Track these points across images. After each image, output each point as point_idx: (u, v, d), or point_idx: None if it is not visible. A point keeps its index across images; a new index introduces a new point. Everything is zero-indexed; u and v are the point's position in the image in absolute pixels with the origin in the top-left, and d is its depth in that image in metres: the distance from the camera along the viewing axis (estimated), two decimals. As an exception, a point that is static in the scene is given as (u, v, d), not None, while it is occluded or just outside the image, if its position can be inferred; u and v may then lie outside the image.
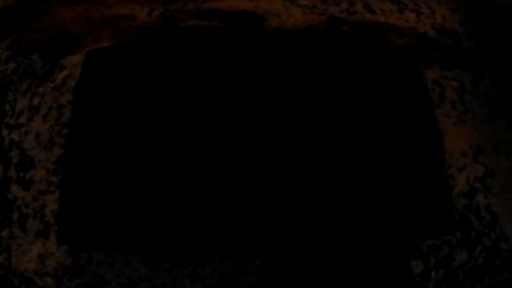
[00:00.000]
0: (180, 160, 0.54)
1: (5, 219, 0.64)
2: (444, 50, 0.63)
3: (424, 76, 0.60)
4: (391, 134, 0.56)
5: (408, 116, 0.58)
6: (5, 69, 0.71)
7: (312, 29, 0.61)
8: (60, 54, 0.67)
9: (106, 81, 0.59)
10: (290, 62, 0.57)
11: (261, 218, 0.51)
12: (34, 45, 0.70)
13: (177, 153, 0.55)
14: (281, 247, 0.51)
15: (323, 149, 0.54)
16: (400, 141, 0.57)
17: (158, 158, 0.55)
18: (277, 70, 0.57)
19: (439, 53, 0.63)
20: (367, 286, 0.52)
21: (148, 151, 0.55)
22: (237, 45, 0.58)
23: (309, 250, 0.52)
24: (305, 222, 0.52)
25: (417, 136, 0.58)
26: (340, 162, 0.54)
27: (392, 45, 0.61)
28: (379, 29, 0.62)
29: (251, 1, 0.62)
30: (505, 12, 0.71)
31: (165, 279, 0.53)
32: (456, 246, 0.57)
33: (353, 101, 0.56)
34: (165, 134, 0.56)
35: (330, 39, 0.58)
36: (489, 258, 0.58)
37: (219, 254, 0.51)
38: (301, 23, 0.61)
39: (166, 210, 0.53)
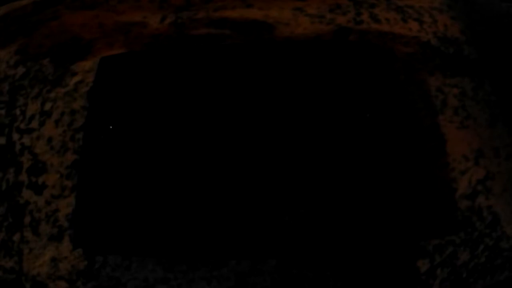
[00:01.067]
0: (195, 165, 0.56)
1: (16, 223, 0.65)
2: (446, 57, 0.67)
3: (428, 83, 0.64)
4: (397, 139, 0.59)
5: (412, 122, 0.62)
6: (14, 73, 0.72)
7: (320, 38, 0.64)
8: (71, 60, 0.68)
9: (120, 88, 0.61)
10: (300, 70, 0.60)
11: (276, 220, 0.54)
12: (43, 50, 0.72)
13: (192, 158, 0.57)
14: (294, 248, 0.54)
15: (334, 154, 0.57)
16: (405, 146, 0.60)
17: (174, 162, 0.57)
18: (288, 79, 0.60)
19: (442, 60, 0.67)
20: (375, 284, 0.55)
21: (163, 156, 0.58)
22: (248, 54, 0.61)
23: (321, 250, 0.55)
24: (318, 223, 0.54)
25: (421, 141, 0.62)
26: (351, 167, 0.57)
27: (397, 54, 0.65)
28: (385, 38, 0.66)
29: (262, 10, 0.65)
30: (505, 19, 0.75)
31: (181, 281, 0.55)
32: (459, 246, 0.60)
33: (361, 108, 0.59)
34: (180, 140, 0.58)
35: (338, 48, 0.62)
36: (491, 257, 0.62)
37: (234, 256, 0.54)
38: (309, 32, 0.64)
39: (182, 213, 0.55)
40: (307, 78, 0.60)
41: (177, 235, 0.55)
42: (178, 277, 0.55)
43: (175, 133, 0.59)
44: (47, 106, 0.67)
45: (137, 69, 0.62)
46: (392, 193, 0.57)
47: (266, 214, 0.54)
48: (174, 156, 0.58)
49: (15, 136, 0.67)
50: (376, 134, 0.59)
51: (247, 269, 0.55)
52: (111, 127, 0.59)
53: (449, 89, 0.65)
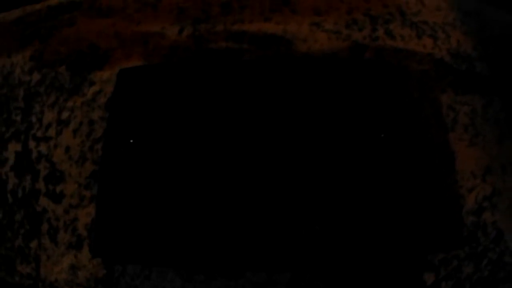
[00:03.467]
0: (216, 178, 0.60)
1: (33, 230, 0.68)
2: (458, 75, 0.70)
3: (440, 101, 0.68)
4: (409, 158, 0.63)
5: (424, 139, 0.66)
6: (29, 79, 0.74)
7: (336, 55, 0.67)
8: (88, 69, 0.71)
9: (140, 100, 0.64)
10: (316, 88, 0.64)
11: (293, 235, 0.57)
12: (59, 57, 0.74)
13: (212, 171, 0.60)
14: (309, 261, 0.58)
15: (348, 172, 0.61)
16: (416, 164, 0.64)
17: (193, 175, 0.60)
18: (304, 96, 0.63)
19: (454, 77, 0.70)
20: (386, 298, 0.60)
21: (183, 168, 0.61)
22: (266, 70, 0.64)
23: (334, 263, 0.59)
24: (331, 238, 0.58)
25: (432, 158, 0.66)
26: (364, 184, 0.61)
27: (411, 71, 0.68)
28: (399, 55, 0.69)
29: (279, 25, 0.68)
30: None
31: (199, 291, 0.59)
32: (464, 260, 0.65)
33: (375, 127, 0.63)
34: (200, 153, 0.61)
35: (353, 66, 0.65)
36: (494, 271, 0.66)
37: (251, 267, 0.58)
38: (326, 48, 0.67)
39: (202, 225, 0.59)
40: (323, 96, 0.64)
41: (196, 246, 0.59)
42: (196, 287, 0.59)
43: (194, 146, 0.62)
44: (65, 115, 0.69)
45: (156, 82, 0.65)
46: (403, 210, 0.61)
47: (284, 229, 0.58)
48: (194, 168, 0.61)
49: (32, 144, 0.70)
50: (390, 153, 0.63)
51: (263, 280, 0.59)
52: (131, 140, 0.62)
53: (460, 106, 0.69)
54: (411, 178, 0.63)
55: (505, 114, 0.72)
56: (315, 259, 0.58)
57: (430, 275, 0.64)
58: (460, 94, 0.70)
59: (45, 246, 0.67)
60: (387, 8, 0.71)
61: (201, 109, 0.63)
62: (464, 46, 0.73)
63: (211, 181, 0.61)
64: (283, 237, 0.58)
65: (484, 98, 0.71)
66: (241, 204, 0.59)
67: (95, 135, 0.66)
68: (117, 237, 0.61)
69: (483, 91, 0.71)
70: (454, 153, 0.67)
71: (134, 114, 0.64)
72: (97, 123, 0.67)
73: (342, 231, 0.59)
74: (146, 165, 0.62)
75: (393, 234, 0.61)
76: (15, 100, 0.73)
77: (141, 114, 0.64)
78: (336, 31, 0.69)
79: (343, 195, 0.60)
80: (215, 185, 0.60)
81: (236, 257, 0.58)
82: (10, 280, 0.69)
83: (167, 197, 0.61)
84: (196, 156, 0.62)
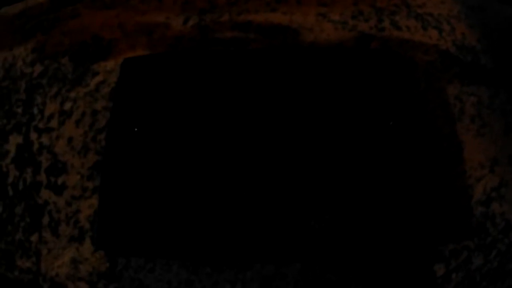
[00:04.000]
0: (221, 168, 0.59)
1: (34, 224, 0.66)
2: (464, 66, 0.70)
3: (446, 92, 0.67)
4: (417, 148, 0.62)
5: (431, 130, 0.65)
6: (32, 71, 0.73)
7: (343, 45, 0.67)
8: (92, 59, 0.70)
9: (144, 90, 0.63)
10: (323, 77, 0.63)
11: (302, 225, 0.56)
12: (62, 49, 0.73)
13: (217, 161, 0.59)
14: (319, 252, 0.56)
15: (357, 162, 0.60)
16: (424, 154, 0.63)
17: (199, 165, 0.59)
18: (311, 86, 0.62)
19: (460, 69, 0.70)
20: (394, 286, 0.58)
21: (189, 159, 0.60)
22: (272, 59, 0.63)
23: (344, 254, 0.58)
24: (341, 228, 0.57)
25: (440, 148, 0.65)
26: (373, 174, 0.60)
27: (417, 62, 0.68)
28: (405, 45, 0.69)
29: (286, 15, 0.67)
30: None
31: (205, 283, 0.57)
32: (474, 251, 0.64)
33: (383, 116, 0.62)
34: (204, 144, 0.60)
35: (360, 56, 0.64)
36: (503, 262, 0.65)
37: (260, 259, 0.56)
38: (333, 38, 0.67)
39: (208, 216, 0.57)
40: (331, 85, 0.63)
41: (202, 238, 0.57)
42: (202, 279, 0.57)
43: (199, 136, 0.61)
44: (67, 105, 0.68)
45: (161, 71, 0.64)
46: (412, 201, 0.60)
47: (292, 219, 0.57)
48: (199, 158, 0.60)
49: (33, 135, 0.68)
50: (398, 142, 0.62)
51: (272, 272, 0.57)
52: (135, 129, 0.60)
53: (467, 97, 0.69)
54: (420, 167, 0.62)
55: (511, 106, 0.72)
56: (325, 251, 0.57)
57: (441, 266, 0.63)
58: (466, 85, 0.69)
59: (46, 240, 0.65)
60: (393, 0, 0.71)
61: (206, 98, 0.62)
62: (469, 38, 0.73)
63: (218, 170, 0.59)
64: (292, 228, 0.57)
65: (490, 89, 0.71)
66: (248, 193, 0.58)
67: (98, 125, 0.65)
68: (121, 228, 0.59)
69: (489, 82, 0.71)
70: (461, 143, 0.66)
71: (138, 103, 0.63)
72: (100, 113, 0.66)
73: (352, 222, 0.58)
74: (150, 155, 0.61)
75: (403, 225, 0.60)
76: (17, 92, 0.72)
77: (145, 104, 0.63)
78: (343, 22, 0.68)
79: (352, 185, 0.59)
80: (222, 175, 0.59)
81: (244, 249, 0.56)
82: (10, 275, 0.67)
83: (171, 187, 0.59)
84: (201, 145, 0.61)
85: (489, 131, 0.69)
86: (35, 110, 0.70)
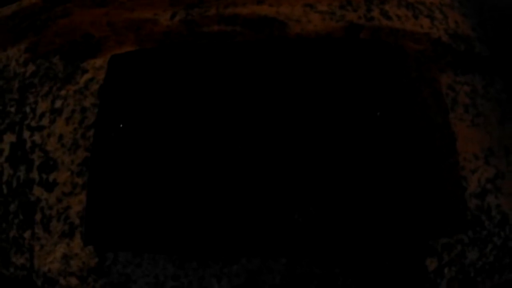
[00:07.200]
0: (206, 163, 0.57)
1: (27, 221, 0.67)
2: (457, 55, 0.67)
3: (439, 81, 0.65)
4: (408, 138, 0.60)
5: (423, 120, 0.63)
6: (24, 71, 0.73)
7: (331, 35, 0.65)
8: (81, 57, 0.69)
9: (131, 86, 0.62)
10: (311, 68, 0.61)
11: (287, 218, 0.55)
12: (53, 48, 0.73)
13: (203, 156, 0.58)
14: (304, 246, 0.55)
15: (344, 152, 0.58)
16: (416, 144, 0.61)
17: (185, 160, 0.58)
18: (300, 77, 0.61)
19: (453, 58, 0.67)
20: (384, 282, 0.56)
21: (174, 154, 0.59)
22: (260, 52, 0.62)
23: (330, 248, 0.56)
24: (327, 221, 0.55)
25: (432, 139, 0.62)
26: (361, 165, 0.58)
27: (408, 51, 0.65)
28: (396, 35, 0.66)
29: (272, 7, 0.66)
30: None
31: (192, 278, 0.56)
32: (468, 245, 0.61)
33: (372, 107, 0.60)
34: (191, 138, 0.59)
35: (349, 46, 0.62)
36: (499, 256, 0.62)
37: (245, 253, 0.55)
38: (321, 29, 0.65)
39: (194, 211, 0.56)
40: (319, 76, 0.61)
41: (188, 232, 0.56)
42: (188, 274, 0.57)
43: (186, 130, 0.60)
44: (58, 103, 0.68)
45: (148, 67, 0.63)
46: (402, 192, 0.58)
47: (277, 212, 0.55)
48: (185, 153, 0.59)
49: (26, 134, 0.68)
50: (387, 132, 0.60)
51: (258, 266, 0.56)
52: (121, 125, 0.60)
53: (460, 86, 0.66)
54: (411, 159, 0.60)
55: (507, 95, 0.69)
56: (311, 244, 0.55)
57: (433, 260, 0.60)
58: (459, 74, 0.67)
59: (38, 236, 0.65)
60: (382, -11, 0.69)
61: (193, 93, 0.61)
62: (463, 26, 0.70)
63: (204, 165, 0.58)
64: (278, 221, 0.55)
65: (484, 78, 0.68)
66: (233, 188, 0.57)
67: (87, 122, 0.65)
68: (108, 224, 0.59)
69: (483, 71, 0.68)
70: (454, 133, 0.64)
71: (125, 99, 0.62)
72: (89, 110, 0.65)
73: (340, 215, 0.56)
74: (137, 151, 0.60)
75: (393, 219, 0.57)
76: (10, 92, 0.72)
77: (133, 99, 0.62)
78: (330, 12, 0.66)
79: (340, 177, 0.57)
80: (207, 170, 0.58)
81: (230, 243, 0.55)
82: (5, 272, 0.67)
83: (158, 183, 0.59)
84: (187, 141, 0.60)
85: (484, 121, 0.66)
86: (28, 109, 0.70)
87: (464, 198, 0.61)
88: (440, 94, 0.64)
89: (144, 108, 0.61)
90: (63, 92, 0.68)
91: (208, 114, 0.60)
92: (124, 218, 0.58)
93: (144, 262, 0.58)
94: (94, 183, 0.60)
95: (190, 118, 0.60)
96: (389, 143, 0.59)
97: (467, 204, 0.62)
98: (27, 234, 0.66)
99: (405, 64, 0.64)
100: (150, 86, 0.62)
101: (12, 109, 0.71)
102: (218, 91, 0.61)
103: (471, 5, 0.73)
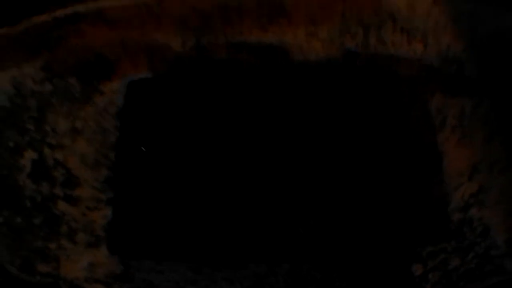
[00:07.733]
0: (220, 181, 0.84)
1: (52, 232, 0.92)
2: (448, 78, 0.93)
3: (429, 105, 0.90)
4: (399, 160, 0.86)
5: (413, 141, 0.88)
6: (42, 90, 0.98)
7: (331, 63, 0.90)
8: (97, 79, 0.94)
9: (149, 110, 0.87)
10: (311, 93, 0.87)
11: (291, 230, 0.81)
12: (68, 68, 0.97)
13: (217, 173, 0.84)
14: (306, 253, 0.81)
15: (339, 170, 0.84)
16: (405, 163, 0.87)
17: (200, 178, 0.84)
18: (300, 101, 0.86)
19: (443, 81, 0.92)
20: (375, 285, 0.83)
21: (191, 170, 0.85)
22: (266, 77, 0.87)
23: (329, 255, 0.82)
24: (326, 232, 0.82)
25: (420, 158, 0.88)
26: (356, 182, 0.84)
27: (401, 77, 0.90)
28: (390, 61, 0.91)
29: (277, 35, 0.90)
30: (508, 34, 1.00)
31: (207, 282, 0.83)
32: (451, 253, 0.88)
33: (367, 130, 0.86)
34: (205, 157, 0.85)
35: (346, 73, 0.88)
36: (481, 264, 0.89)
37: (254, 260, 0.82)
38: (322, 56, 0.90)
39: (210, 223, 0.82)
40: (318, 101, 0.87)
41: (204, 242, 0.83)
42: (205, 278, 0.83)
43: (200, 151, 0.86)
44: (78, 124, 0.93)
45: (164, 92, 0.88)
46: (393, 206, 0.84)
47: (283, 225, 0.82)
48: (200, 171, 0.85)
49: (47, 151, 0.94)
50: (380, 153, 0.86)
51: (264, 271, 0.82)
52: (143, 147, 0.85)
53: (449, 109, 0.92)
54: (401, 176, 0.86)
55: (494, 113, 0.94)
56: (311, 252, 0.82)
57: (419, 266, 0.87)
58: (449, 97, 0.92)
59: (64, 247, 0.91)
60: (379, 16, 0.93)
61: (206, 116, 0.87)
62: (454, 48, 0.95)
63: (216, 184, 0.84)
64: (282, 232, 0.82)
65: (473, 99, 0.93)
66: (243, 202, 0.83)
67: (108, 143, 0.90)
68: (133, 235, 0.85)
69: (472, 92, 0.94)
70: (441, 153, 0.90)
71: (143, 123, 0.88)
72: (109, 131, 0.90)
73: (336, 226, 0.82)
74: (156, 170, 0.86)
75: (384, 228, 0.84)
76: (28, 109, 0.96)
77: (150, 123, 0.88)
78: (330, 39, 0.91)
79: (337, 192, 0.83)
80: (220, 188, 0.84)
81: (240, 250, 0.82)
82: (32, 279, 0.93)
83: (176, 198, 0.84)
84: (201, 160, 0.86)
85: (470, 140, 0.92)
86: (48, 128, 0.95)
87: (447, 212, 0.88)
88: (430, 117, 0.90)
89: (161, 130, 0.87)
90: (82, 113, 0.93)
91: (218, 133, 0.86)
92: (147, 230, 0.84)
93: (165, 269, 0.84)
94: (119, 199, 0.86)
95: (204, 139, 0.86)
96: (382, 161, 0.85)
97: (450, 217, 0.88)
98: (52, 245, 0.92)
99: (398, 90, 0.89)
100: (166, 110, 0.88)
101: (31, 127, 0.96)
102: (227, 114, 0.86)
103: (464, 24, 0.98)
